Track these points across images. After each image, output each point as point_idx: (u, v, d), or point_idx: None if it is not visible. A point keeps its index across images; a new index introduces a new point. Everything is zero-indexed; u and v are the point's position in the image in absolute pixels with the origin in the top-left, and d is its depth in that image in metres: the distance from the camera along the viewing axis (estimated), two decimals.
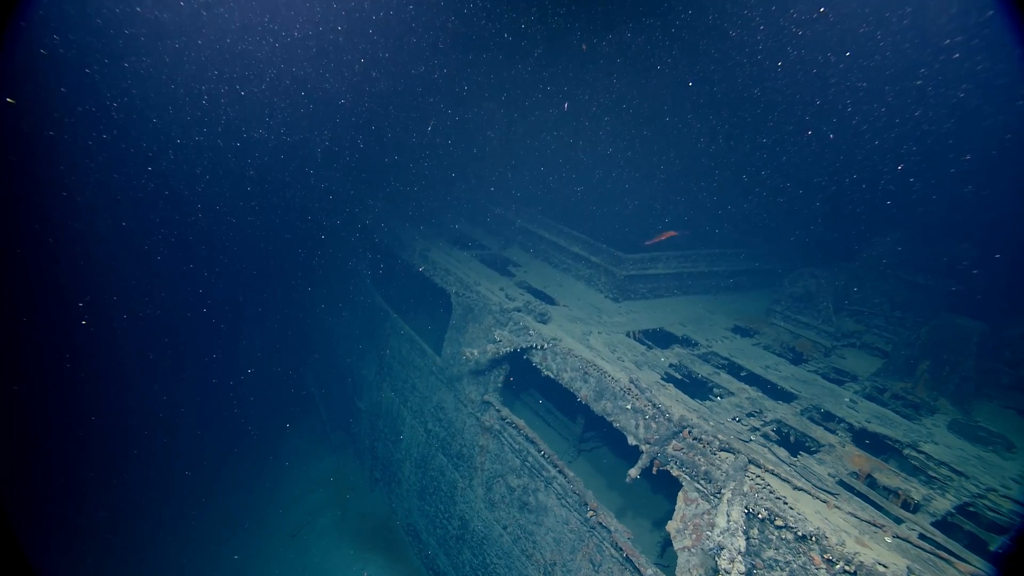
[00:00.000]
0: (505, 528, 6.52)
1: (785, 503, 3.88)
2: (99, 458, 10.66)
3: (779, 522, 3.79)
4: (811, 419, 5.44)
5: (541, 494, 6.03)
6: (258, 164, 13.08)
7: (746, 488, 4.06)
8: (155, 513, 9.86)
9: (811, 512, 3.82)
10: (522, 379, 8.44)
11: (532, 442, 6.13)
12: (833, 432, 5.26)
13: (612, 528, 5.11)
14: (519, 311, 6.60)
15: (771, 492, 4.01)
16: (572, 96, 11.61)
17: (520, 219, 9.56)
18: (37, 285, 11.43)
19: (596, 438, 8.48)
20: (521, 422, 6.32)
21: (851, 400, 5.83)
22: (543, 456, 5.98)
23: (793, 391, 5.93)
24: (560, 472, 5.78)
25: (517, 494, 6.35)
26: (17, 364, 11.02)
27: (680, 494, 4.61)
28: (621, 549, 4.97)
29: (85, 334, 11.89)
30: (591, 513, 5.33)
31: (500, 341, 6.00)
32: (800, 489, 4.09)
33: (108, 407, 11.57)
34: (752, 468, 4.28)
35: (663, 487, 7.90)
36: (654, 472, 4.86)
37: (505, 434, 6.55)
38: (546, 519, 5.94)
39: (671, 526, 4.57)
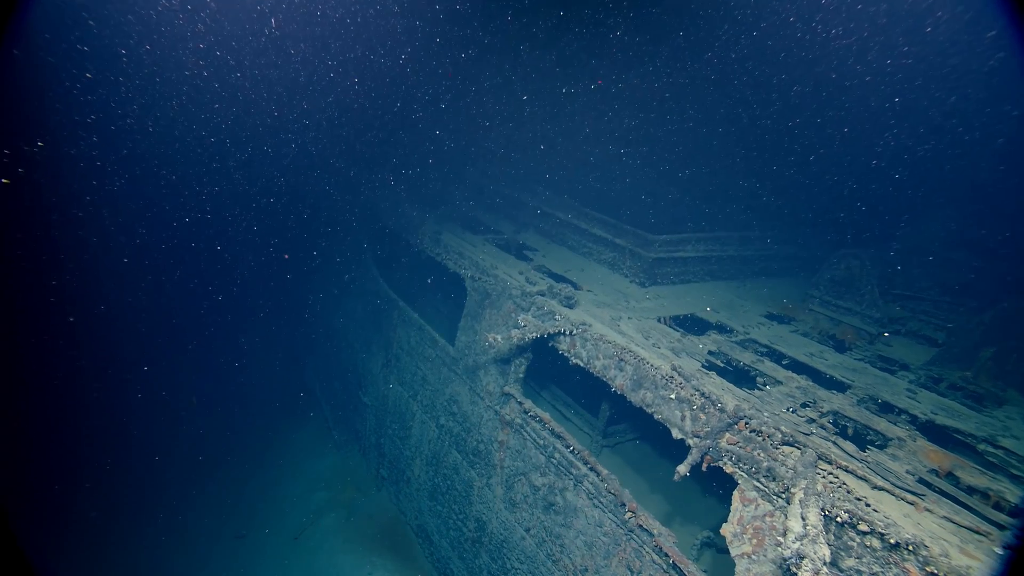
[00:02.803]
0: (528, 531, 6.02)
1: (867, 505, 3.38)
2: (95, 456, 10.21)
3: (863, 527, 3.29)
4: (870, 410, 4.94)
5: (569, 493, 5.52)
6: (256, 150, 12.57)
7: (819, 487, 3.56)
8: (150, 514, 9.36)
9: (899, 515, 3.32)
10: (535, 370, 7.95)
11: (559, 437, 5.63)
12: (895, 424, 4.76)
13: (655, 531, 4.60)
14: (543, 295, 6.08)
15: (848, 492, 3.51)
16: (585, 79, 11.10)
17: (535, 201, 9.04)
18: (36, 283, 11.11)
19: (620, 432, 7.98)
20: (546, 415, 5.82)
21: (910, 390, 5.33)
22: (572, 452, 5.48)
23: (845, 380, 5.44)
24: (592, 469, 5.28)
25: (542, 493, 5.84)
26: (16, 364, 10.67)
27: (735, 493, 4.11)
28: (666, 555, 4.47)
29: (83, 328, 11.51)
30: (629, 514, 4.83)
31: (525, 326, 5.49)
32: (880, 488, 3.59)
33: (105, 405, 11.14)
34: (821, 464, 3.78)
35: (705, 483, 7.44)
36: (703, 469, 4.36)
37: (528, 428, 6.04)
38: (576, 521, 5.44)
39: (727, 529, 4.07)
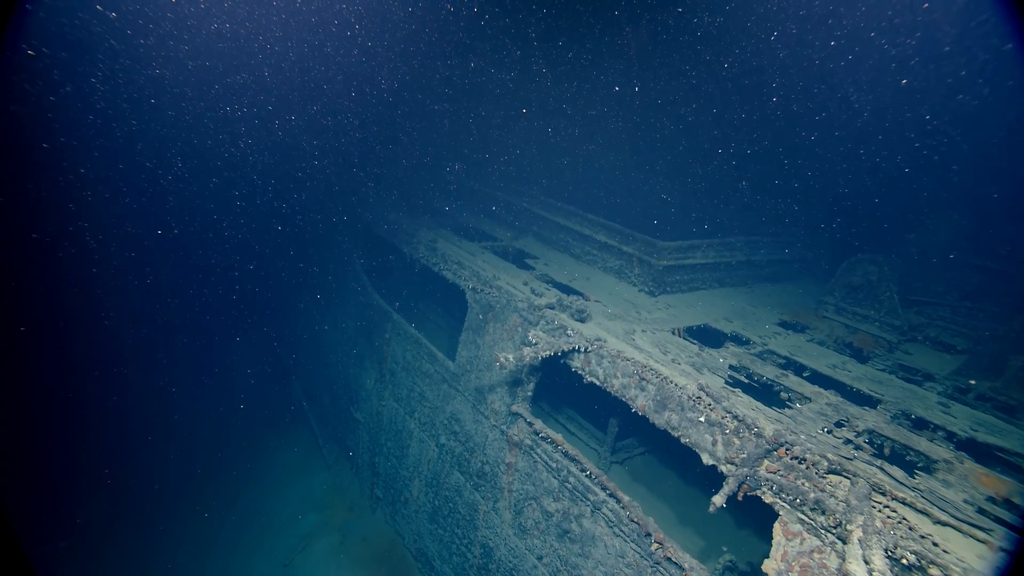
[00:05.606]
0: (540, 559, 5.65)
1: (935, 544, 3.08)
2: (92, 465, 9.86)
3: (935, 571, 2.99)
4: (906, 428, 4.67)
5: (587, 520, 5.17)
6: (246, 158, 12.08)
7: (878, 523, 3.26)
8: (132, 535, 8.87)
9: (973, 557, 3.02)
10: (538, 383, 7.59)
11: (574, 460, 5.28)
12: (936, 443, 4.49)
13: (685, 564, 4.27)
14: (552, 308, 5.73)
15: (911, 528, 3.21)
16: (584, 82, 10.77)
17: (533, 206, 8.68)
18: (36, 291, 10.79)
19: (629, 447, 7.66)
20: (559, 437, 5.47)
21: (942, 403, 5.08)
22: (588, 476, 5.13)
23: (874, 394, 5.17)
24: (611, 495, 4.93)
25: (555, 520, 5.48)
26: (17, 369, 10.40)
27: (777, 526, 3.79)
28: None
29: (82, 340, 11.19)
30: (656, 546, 4.50)
31: (537, 343, 5.12)
32: (943, 523, 3.29)
33: (102, 413, 10.79)
34: (875, 496, 3.48)
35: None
36: (739, 498, 4.04)
37: (538, 450, 5.68)
38: (594, 550, 5.09)
39: (769, 566, 3.75)
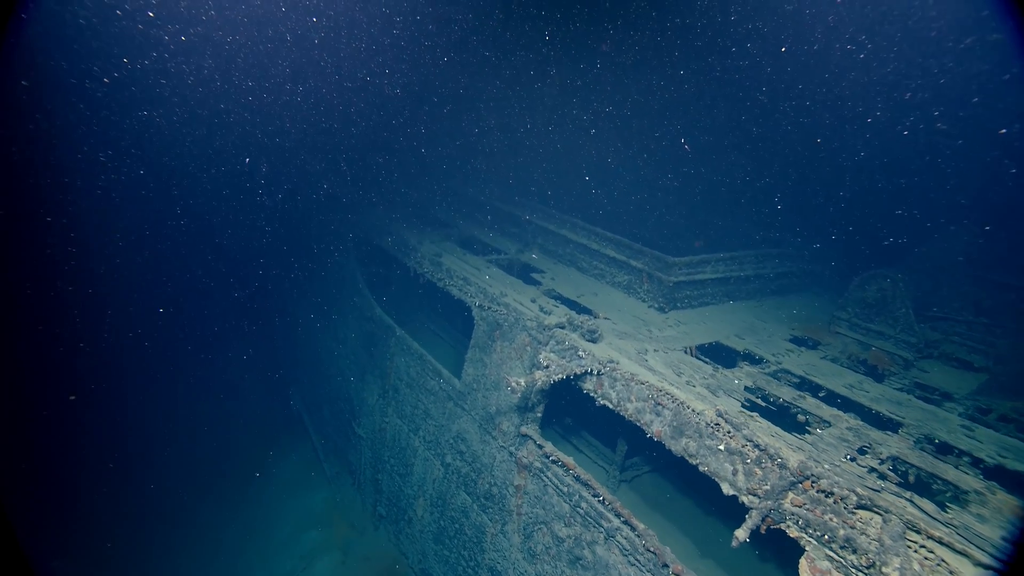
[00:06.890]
0: None
1: None
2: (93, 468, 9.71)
3: None
4: (931, 453, 4.53)
5: (600, 547, 5.01)
6: (245, 166, 11.92)
7: (916, 566, 3.11)
8: (128, 554, 8.67)
9: None
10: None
11: (586, 485, 5.12)
12: (963, 471, 4.35)
13: None
14: (562, 327, 5.57)
15: (951, 572, 3.06)
16: (582, 91, 10.63)
17: (538, 218, 8.53)
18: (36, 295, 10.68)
19: (636, 465, 7.50)
20: (570, 460, 5.31)
21: (965, 427, 4.94)
22: (602, 502, 4.97)
23: (894, 416, 5.03)
24: (626, 523, 4.77)
25: (567, 546, 5.32)
26: (17, 383, 10.43)
27: (803, 562, 3.64)
28: None
29: (82, 350, 11.10)
30: None
31: (548, 366, 4.97)
32: (985, 566, 3.15)
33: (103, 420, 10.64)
34: (909, 534, 3.34)
35: (728, 522, 6.97)
36: (762, 531, 3.89)
37: (548, 473, 5.52)
38: None
39: None
